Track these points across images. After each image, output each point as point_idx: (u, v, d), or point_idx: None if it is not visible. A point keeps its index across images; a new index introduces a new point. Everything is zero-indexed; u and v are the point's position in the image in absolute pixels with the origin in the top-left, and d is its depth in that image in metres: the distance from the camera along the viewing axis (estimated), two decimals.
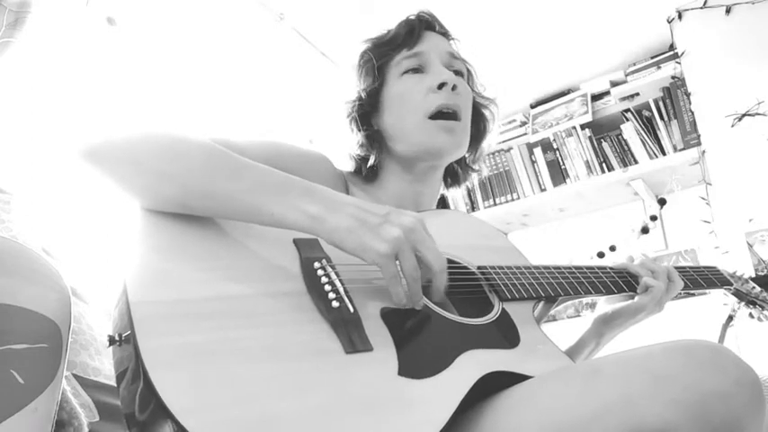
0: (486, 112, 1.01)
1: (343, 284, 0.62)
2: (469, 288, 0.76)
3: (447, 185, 1.03)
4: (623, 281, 0.91)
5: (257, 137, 0.84)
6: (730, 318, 1.27)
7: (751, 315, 1.09)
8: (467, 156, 1.01)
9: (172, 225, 0.61)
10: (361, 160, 0.93)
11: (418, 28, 0.94)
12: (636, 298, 0.91)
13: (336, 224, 0.60)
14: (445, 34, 0.99)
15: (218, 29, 2.03)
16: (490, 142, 1.04)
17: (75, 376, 0.78)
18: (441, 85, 0.88)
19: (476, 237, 0.88)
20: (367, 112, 0.92)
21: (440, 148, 0.88)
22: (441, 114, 0.88)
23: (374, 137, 0.91)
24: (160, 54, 1.93)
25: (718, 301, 1.71)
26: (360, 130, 0.91)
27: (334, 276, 0.62)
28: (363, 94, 0.91)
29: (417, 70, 0.91)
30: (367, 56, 0.93)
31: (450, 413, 0.53)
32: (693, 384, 0.45)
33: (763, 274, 1.88)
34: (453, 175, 1.02)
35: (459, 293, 0.74)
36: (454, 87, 0.88)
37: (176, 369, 0.46)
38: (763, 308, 1.06)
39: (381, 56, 0.93)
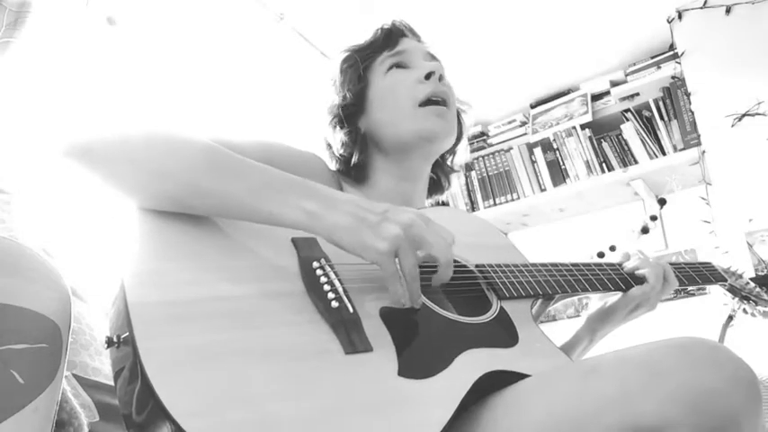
0: (464, 118, 1.03)
1: (342, 284, 0.62)
2: (467, 286, 0.76)
3: (429, 193, 1.03)
4: (620, 278, 0.91)
5: (252, 136, 0.84)
6: (730, 318, 1.27)
7: (745, 311, 1.10)
8: (447, 156, 1.03)
9: (170, 224, 0.61)
10: (346, 161, 0.93)
11: (396, 33, 0.97)
12: (629, 290, 0.91)
13: (335, 222, 0.60)
14: (419, 40, 1.00)
15: (218, 29, 2.04)
16: (464, 156, 1.06)
17: (75, 376, 0.78)
18: (428, 76, 0.90)
19: (474, 234, 0.88)
20: (352, 114, 0.93)
21: (432, 131, 0.89)
22: (430, 102, 0.89)
23: (358, 135, 0.92)
24: (160, 54, 1.93)
25: (718, 300, 1.71)
26: (342, 128, 0.93)
27: (333, 276, 0.62)
28: (349, 95, 0.93)
29: (401, 65, 0.93)
30: (351, 60, 0.95)
31: (450, 413, 0.53)
32: (690, 381, 0.45)
33: (763, 274, 1.88)
34: (435, 181, 1.03)
35: (457, 292, 0.75)
36: (441, 78, 0.91)
37: (176, 371, 0.46)
38: (756, 303, 1.07)
39: (364, 59, 0.95)
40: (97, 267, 0.98)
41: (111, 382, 0.81)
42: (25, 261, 0.59)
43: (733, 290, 1.07)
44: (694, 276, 1.01)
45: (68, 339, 0.59)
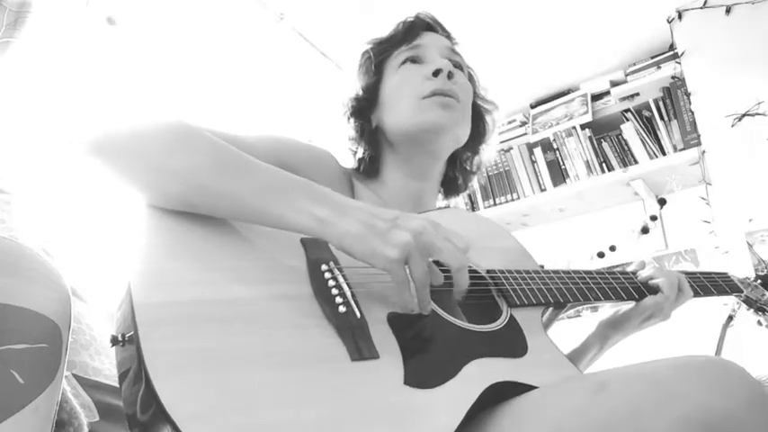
0: (488, 118, 1.00)
1: (350, 288, 0.61)
2: (478, 292, 0.75)
3: (445, 194, 1.02)
4: (633, 287, 0.89)
5: (262, 132, 0.84)
6: (730, 318, 1.27)
7: (759, 323, 1.07)
8: (465, 156, 1.00)
9: (177, 224, 0.60)
10: (355, 154, 0.93)
11: (417, 27, 0.95)
12: (642, 300, 0.89)
13: (345, 229, 0.59)
14: (448, 37, 0.99)
15: (218, 29, 2.03)
16: (489, 155, 1.03)
17: (75, 376, 0.78)
18: (436, 72, 0.87)
19: (483, 237, 0.86)
20: (364, 108, 0.92)
21: (435, 122, 0.86)
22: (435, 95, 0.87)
23: (366, 129, 0.92)
24: (160, 54, 1.93)
25: (718, 300, 1.71)
26: (353, 122, 0.92)
27: (341, 279, 0.61)
28: (361, 91, 0.92)
29: (415, 60, 0.92)
30: (367, 54, 0.94)
31: (455, 425, 0.52)
32: (702, 404, 0.44)
33: (763, 273, 1.88)
34: (452, 181, 1.00)
35: (467, 298, 0.73)
36: (450, 75, 0.88)
37: (179, 374, 0.46)
38: None
39: (380, 53, 0.94)
40: (97, 267, 0.98)
41: (111, 382, 0.81)
42: (25, 261, 0.59)
43: (749, 301, 1.05)
44: (709, 287, 0.99)
45: (68, 339, 0.59)
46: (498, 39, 2.31)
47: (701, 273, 1.01)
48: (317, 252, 0.64)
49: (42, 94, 1.20)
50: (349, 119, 0.92)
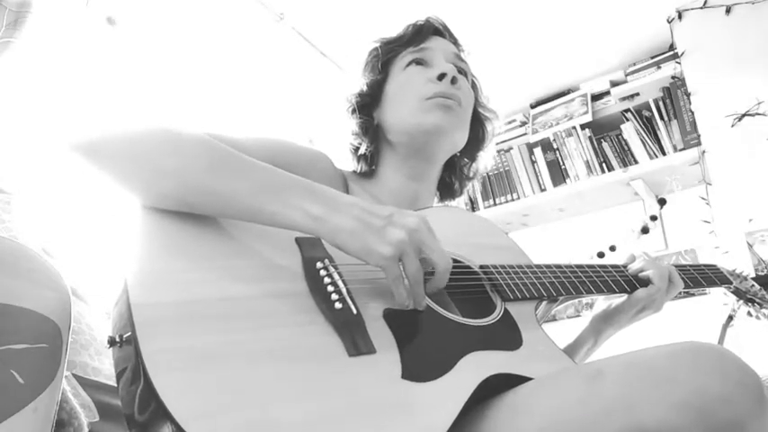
0: (487, 125, 1.02)
1: (345, 285, 0.61)
2: (471, 288, 0.76)
3: (441, 197, 1.03)
4: (624, 280, 0.90)
5: (257, 134, 0.84)
6: (730, 317, 1.27)
7: (749, 313, 1.09)
8: (462, 162, 1.01)
9: (173, 223, 0.60)
10: (356, 150, 0.94)
11: (426, 30, 0.96)
12: (634, 292, 0.90)
13: (339, 225, 0.59)
14: (455, 43, 1.00)
15: (218, 29, 2.04)
16: (486, 163, 1.04)
17: (75, 376, 0.78)
18: (441, 77, 0.89)
19: (478, 235, 0.88)
20: (367, 104, 0.94)
21: (434, 124, 0.87)
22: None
23: (370, 126, 0.93)
24: (160, 54, 1.93)
25: (718, 300, 1.71)
26: (356, 118, 0.93)
27: (336, 277, 0.62)
28: (365, 87, 0.94)
29: (420, 62, 0.93)
30: (375, 52, 0.96)
31: (453, 418, 0.52)
32: (696, 388, 0.45)
33: (763, 273, 1.88)
34: (448, 185, 1.02)
35: (461, 293, 0.74)
36: (454, 80, 0.89)
37: (179, 373, 0.46)
38: (761, 306, 1.06)
39: (388, 52, 0.95)
40: (97, 267, 0.98)
41: (111, 382, 0.81)
42: (26, 261, 0.59)
43: (738, 292, 1.06)
44: (699, 278, 1.00)
45: (68, 339, 0.59)
46: (498, 39, 2.31)
47: (690, 265, 1.02)
48: (311, 250, 0.65)
49: (42, 94, 1.20)
50: (352, 114, 0.94)
